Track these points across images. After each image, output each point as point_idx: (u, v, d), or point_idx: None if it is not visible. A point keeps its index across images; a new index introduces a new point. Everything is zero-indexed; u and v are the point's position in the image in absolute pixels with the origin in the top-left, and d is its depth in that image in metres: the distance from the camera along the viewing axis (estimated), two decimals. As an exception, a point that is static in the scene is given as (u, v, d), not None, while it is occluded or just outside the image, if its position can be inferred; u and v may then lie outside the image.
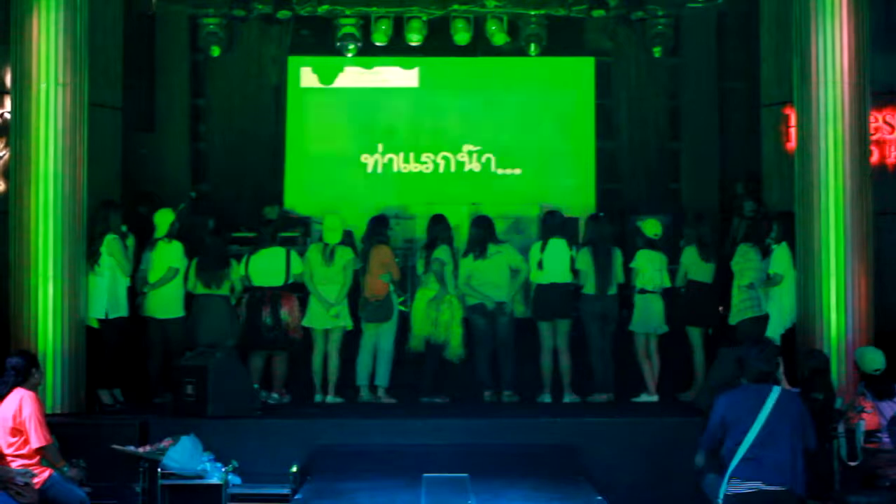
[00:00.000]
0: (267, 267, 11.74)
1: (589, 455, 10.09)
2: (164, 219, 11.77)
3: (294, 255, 11.84)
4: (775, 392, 7.41)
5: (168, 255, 11.65)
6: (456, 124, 17.30)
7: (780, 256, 11.34)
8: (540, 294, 12.00)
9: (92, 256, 11.03)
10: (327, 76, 17.29)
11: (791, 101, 11.48)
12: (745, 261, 11.71)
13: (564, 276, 11.95)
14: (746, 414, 7.37)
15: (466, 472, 9.62)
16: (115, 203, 11.63)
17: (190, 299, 11.78)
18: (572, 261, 11.98)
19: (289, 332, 11.67)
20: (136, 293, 11.71)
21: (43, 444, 8.73)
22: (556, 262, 11.93)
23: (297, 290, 11.97)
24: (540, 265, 11.93)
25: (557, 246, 12.00)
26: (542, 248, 11.99)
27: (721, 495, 7.41)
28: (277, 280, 11.71)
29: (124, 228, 11.51)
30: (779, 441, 7.30)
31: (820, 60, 10.71)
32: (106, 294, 11.12)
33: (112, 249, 11.16)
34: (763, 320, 11.45)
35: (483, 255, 11.93)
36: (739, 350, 10.72)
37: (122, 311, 11.28)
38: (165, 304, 11.65)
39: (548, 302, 11.95)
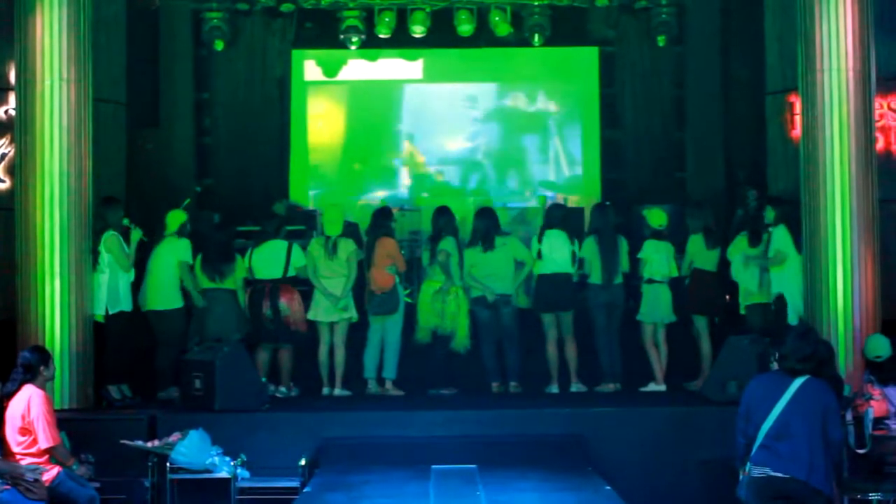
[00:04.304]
0: (268, 260, 11.72)
1: (597, 445, 10.10)
2: (175, 219, 11.74)
3: (296, 247, 11.81)
4: (799, 380, 7.25)
5: (176, 250, 11.64)
6: (460, 115, 17.30)
7: (780, 236, 11.33)
8: (540, 285, 11.98)
9: (92, 254, 11.02)
10: (331, 69, 17.32)
11: (796, 88, 11.46)
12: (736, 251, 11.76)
13: (565, 266, 11.94)
14: (767, 400, 7.27)
15: (475, 463, 9.64)
16: (113, 199, 11.56)
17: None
18: (573, 252, 11.98)
19: (289, 324, 11.67)
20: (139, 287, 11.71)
21: (51, 444, 8.70)
22: (554, 252, 11.91)
23: (301, 284, 11.95)
24: (539, 255, 11.92)
25: (555, 236, 11.98)
26: (540, 240, 11.99)
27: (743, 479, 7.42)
28: (277, 273, 11.69)
29: (126, 222, 11.47)
30: (795, 431, 7.19)
31: (824, 47, 10.71)
32: (105, 290, 11.08)
33: (109, 246, 11.10)
34: (769, 307, 11.46)
35: (490, 246, 11.91)
36: (749, 338, 10.87)
37: (123, 305, 11.20)
38: (162, 295, 11.60)
39: (548, 294, 11.91)
